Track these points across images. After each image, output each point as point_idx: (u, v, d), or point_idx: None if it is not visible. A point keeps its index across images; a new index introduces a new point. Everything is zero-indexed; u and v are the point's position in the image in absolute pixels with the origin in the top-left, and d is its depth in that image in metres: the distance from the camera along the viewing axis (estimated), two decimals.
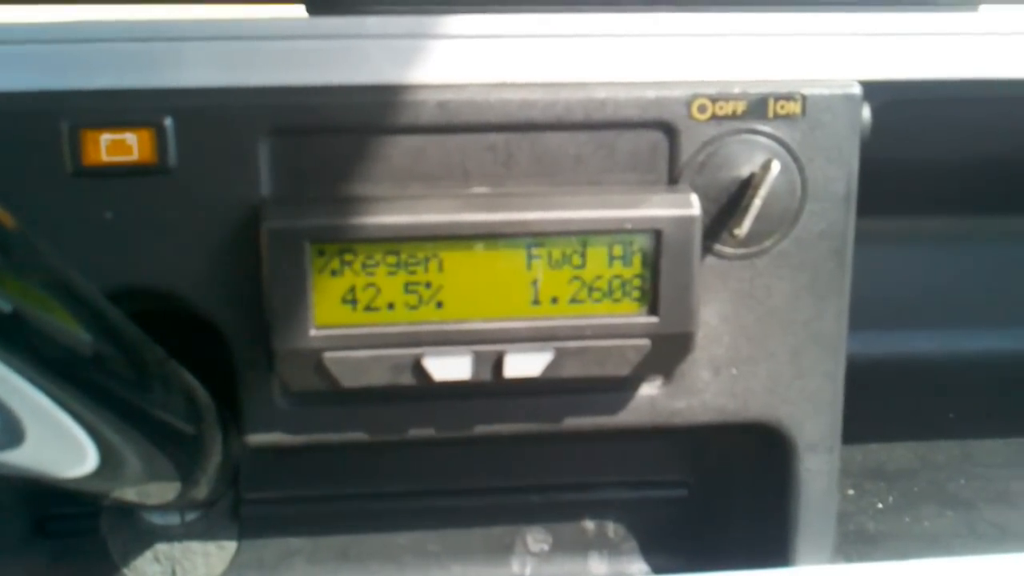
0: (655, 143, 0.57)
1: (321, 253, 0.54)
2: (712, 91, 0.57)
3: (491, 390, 0.59)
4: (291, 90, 0.56)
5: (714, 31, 0.58)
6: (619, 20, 0.58)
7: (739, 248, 0.59)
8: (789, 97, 0.58)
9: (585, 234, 0.55)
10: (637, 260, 0.56)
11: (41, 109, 0.54)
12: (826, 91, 0.58)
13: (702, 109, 0.57)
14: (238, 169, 0.55)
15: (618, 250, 0.56)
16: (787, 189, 0.59)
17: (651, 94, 0.57)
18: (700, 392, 0.61)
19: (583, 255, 0.56)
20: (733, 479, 0.69)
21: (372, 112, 0.55)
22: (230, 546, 0.68)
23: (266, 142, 0.55)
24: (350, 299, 0.55)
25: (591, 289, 0.56)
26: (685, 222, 0.56)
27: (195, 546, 0.68)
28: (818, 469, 0.64)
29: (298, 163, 0.56)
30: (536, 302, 0.56)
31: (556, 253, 0.55)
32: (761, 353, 0.61)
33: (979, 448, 0.84)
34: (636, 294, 0.57)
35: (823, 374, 0.62)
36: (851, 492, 0.80)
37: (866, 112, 0.59)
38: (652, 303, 0.57)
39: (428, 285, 0.55)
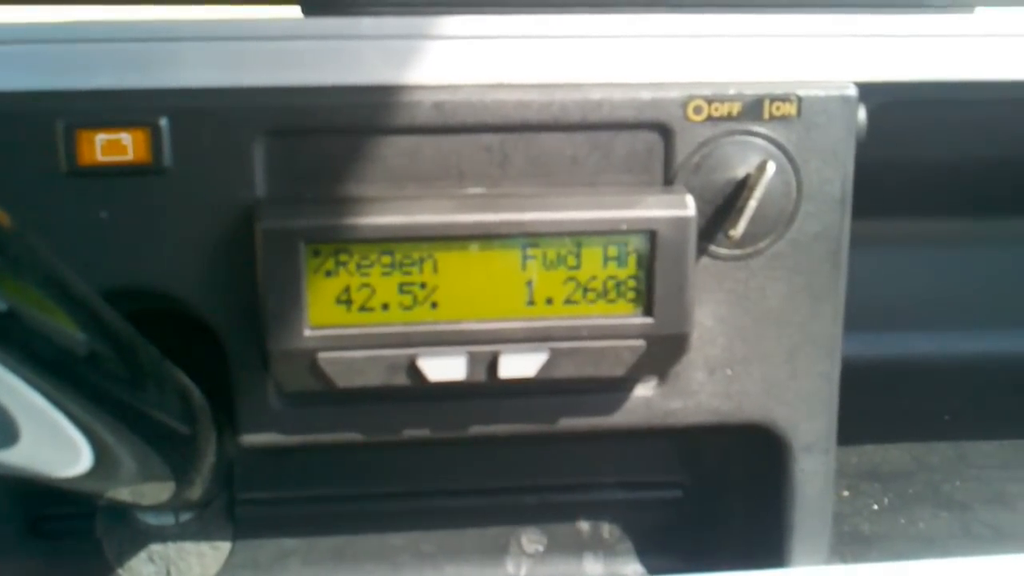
0: (651, 144, 0.57)
1: (316, 253, 0.54)
2: (708, 92, 0.57)
3: (486, 391, 0.59)
4: (286, 91, 0.56)
5: (710, 32, 0.58)
6: (615, 21, 0.58)
7: (734, 249, 0.59)
8: (785, 98, 0.58)
9: (580, 235, 0.55)
10: (632, 261, 0.56)
11: (37, 109, 0.54)
12: (822, 92, 0.58)
13: (698, 110, 0.57)
14: (233, 169, 0.55)
15: (613, 251, 0.56)
16: (782, 190, 0.59)
17: (647, 95, 0.57)
18: (695, 393, 0.61)
19: (578, 256, 0.56)
20: (728, 480, 0.70)
21: (367, 113, 0.55)
22: (224, 546, 0.68)
23: (261, 142, 0.55)
24: (345, 299, 0.55)
25: (586, 290, 0.56)
26: (680, 223, 0.56)
27: (189, 546, 0.68)
28: (813, 470, 0.64)
29: (293, 163, 0.56)
30: (531, 303, 0.56)
31: (551, 254, 0.55)
32: (756, 354, 0.61)
33: (974, 450, 0.84)
34: (631, 295, 0.57)
35: (818, 375, 0.62)
36: (846, 493, 0.80)
37: (862, 114, 0.59)
38: (647, 304, 0.57)
39: (423, 286, 0.55)
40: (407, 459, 0.68)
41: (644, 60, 0.58)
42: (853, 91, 0.59)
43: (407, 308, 0.55)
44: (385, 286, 0.55)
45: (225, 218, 0.55)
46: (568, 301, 0.56)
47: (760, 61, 0.59)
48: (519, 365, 0.57)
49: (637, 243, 0.56)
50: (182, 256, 0.56)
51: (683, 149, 0.57)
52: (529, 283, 0.56)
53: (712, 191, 0.58)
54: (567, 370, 0.57)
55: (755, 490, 0.68)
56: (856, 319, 0.64)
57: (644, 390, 0.61)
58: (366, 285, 0.55)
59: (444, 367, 0.56)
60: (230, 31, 0.56)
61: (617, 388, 0.61)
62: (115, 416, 0.45)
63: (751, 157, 0.58)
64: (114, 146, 0.54)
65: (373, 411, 0.60)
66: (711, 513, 0.70)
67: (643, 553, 0.71)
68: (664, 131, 0.57)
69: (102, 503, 0.67)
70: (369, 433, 0.60)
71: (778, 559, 0.66)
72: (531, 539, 0.71)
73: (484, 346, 0.56)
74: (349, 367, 0.56)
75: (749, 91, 0.57)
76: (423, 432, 0.61)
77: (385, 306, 0.55)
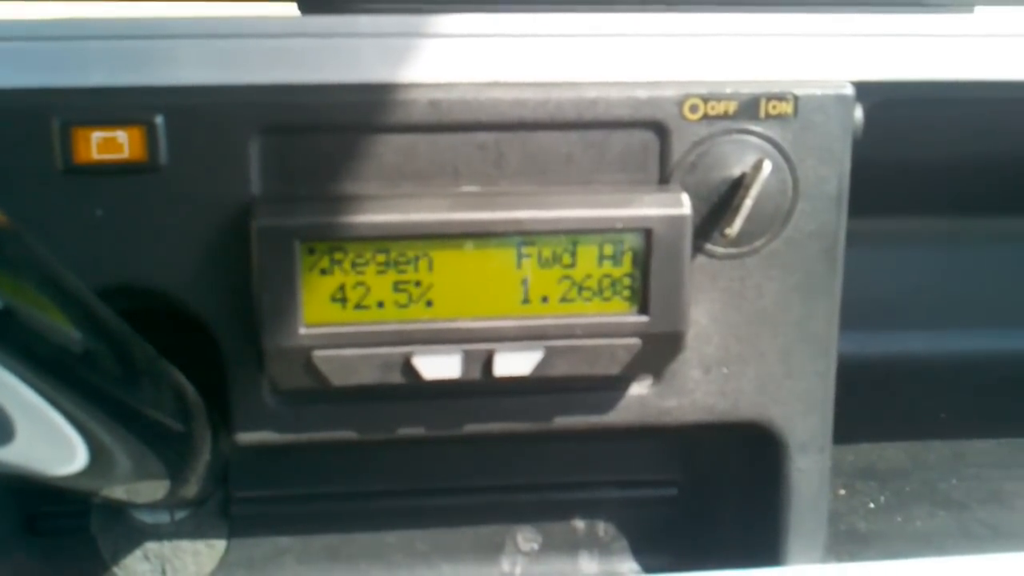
0: (646, 143, 0.57)
1: (311, 251, 0.54)
2: (704, 91, 0.57)
3: (481, 389, 0.59)
4: (282, 88, 0.56)
5: (706, 31, 0.58)
6: (611, 20, 0.58)
7: (730, 248, 0.59)
8: (781, 97, 0.58)
9: (575, 233, 0.55)
10: (627, 259, 0.56)
11: (32, 106, 0.54)
12: (818, 91, 0.58)
13: (694, 109, 0.57)
14: (229, 167, 0.55)
15: (608, 249, 0.56)
16: (778, 189, 0.59)
17: (642, 94, 0.57)
18: (690, 392, 0.61)
19: (573, 254, 0.56)
20: (724, 479, 0.70)
21: (363, 111, 0.55)
22: (220, 544, 0.68)
23: (257, 140, 0.55)
24: (340, 297, 0.55)
25: (581, 288, 0.56)
26: (676, 221, 0.56)
27: (185, 544, 0.68)
28: (809, 469, 0.64)
29: (289, 161, 0.56)
30: (526, 301, 0.56)
31: (546, 252, 0.55)
32: (752, 353, 0.61)
33: (971, 448, 0.84)
34: (626, 293, 0.57)
35: (814, 374, 0.62)
36: (842, 492, 0.80)
37: (858, 113, 0.59)
38: (642, 302, 0.57)
39: (418, 284, 0.55)
40: (402, 457, 0.68)
41: (640, 59, 0.58)
42: (850, 90, 0.59)
43: (402, 306, 0.55)
44: (380, 284, 0.55)
45: (220, 216, 0.55)
46: (563, 299, 0.56)
47: (757, 60, 0.59)
48: (514, 363, 0.57)
49: (632, 242, 0.56)
50: (177, 254, 0.56)
51: (679, 148, 0.57)
52: (524, 281, 0.56)
53: (708, 190, 0.58)
54: (562, 368, 0.57)
55: (751, 489, 0.68)
56: (852, 317, 0.64)
57: (639, 388, 0.61)
58: (361, 283, 0.55)
59: (439, 365, 0.56)
60: (226, 28, 0.56)
61: (612, 386, 0.61)
62: (110, 414, 0.45)
63: (747, 156, 0.58)
64: (110, 144, 0.54)
65: (368, 409, 0.60)
66: (707, 512, 0.70)
67: (638, 551, 0.71)
68: (660, 130, 0.57)
69: (97, 501, 0.67)
70: (364, 431, 0.60)
71: (774, 558, 0.66)
72: (526, 537, 0.71)
73: (479, 344, 0.56)
74: (344, 365, 0.56)
75: (745, 90, 0.57)
76: (418, 430, 0.61)
77: (380, 304, 0.55)
